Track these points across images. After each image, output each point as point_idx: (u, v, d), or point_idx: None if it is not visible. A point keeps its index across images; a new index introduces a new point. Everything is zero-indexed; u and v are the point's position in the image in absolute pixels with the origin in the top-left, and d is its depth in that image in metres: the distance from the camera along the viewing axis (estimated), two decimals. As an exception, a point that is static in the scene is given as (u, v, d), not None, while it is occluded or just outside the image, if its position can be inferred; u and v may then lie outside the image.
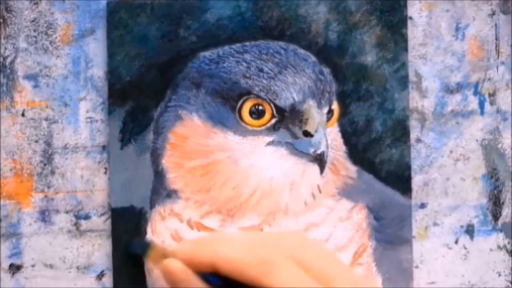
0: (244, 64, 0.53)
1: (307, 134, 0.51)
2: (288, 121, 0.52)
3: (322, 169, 0.52)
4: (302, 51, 0.53)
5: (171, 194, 0.54)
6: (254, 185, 0.53)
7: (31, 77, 0.56)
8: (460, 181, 0.57)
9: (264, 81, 0.52)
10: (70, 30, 0.56)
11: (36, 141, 0.56)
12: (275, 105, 0.52)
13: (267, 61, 0.53)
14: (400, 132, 0.55)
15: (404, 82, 0.55)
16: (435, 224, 0.57)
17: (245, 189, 0.53)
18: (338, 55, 0.55)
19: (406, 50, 0.55)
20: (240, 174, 0.53)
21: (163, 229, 0.54)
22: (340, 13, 0.55)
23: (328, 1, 0.55)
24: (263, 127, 0.52)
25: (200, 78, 0.53)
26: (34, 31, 0.56)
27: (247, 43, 0.54)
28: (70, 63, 0.56)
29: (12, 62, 0.56)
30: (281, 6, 0.55)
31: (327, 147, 0.52)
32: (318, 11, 0.55)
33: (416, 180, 0.56)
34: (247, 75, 0.52)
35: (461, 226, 0.57)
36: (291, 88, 0.52)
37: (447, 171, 0.57)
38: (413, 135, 0.56)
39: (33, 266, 0.56)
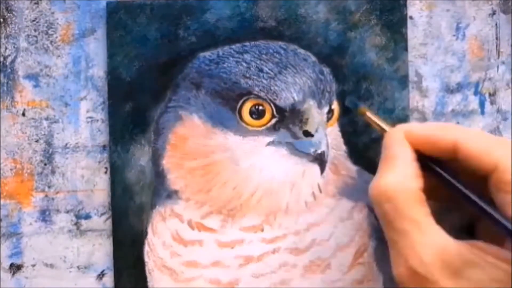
0: (244, 64, 0.52)
1: (307, 134, 0.51)
2: (288, 121, 0.52)
3: (322, 169, 0.52)
4: (302, 51, 0.53)
5: (172, 195, 0.54)
6: (255, 185, 0.53)
7: (32, 76, 0.56)
8: (461, 180, 0.57)
9: (264, 81, 0.52)
10: (71, 30, 0.56)
11: (37, 141, 0.56)
12: (275, 105, 0.52)
13: (267, 61, 0.52)
14: (400, 132, 0.55)
15: (404, 81, 0.55)
16: (435, 223, 0.57)
17: (245, 189, 0.53)
18: (338, 55, 0.55)
19: (406, 50, 0.55)
20: (240, 174, 0.53)
21: (164, 230, 0.54)
22: (340, 13, 0.55)
23: (328, 1, 0.55)
24: (263, 127, 0.52)
25: (200, 78, 0.53)
26: (35, 30, 0.56)
27: (247, 43, 0.54)
28: (70, 63, 0.56)
29: (13, 61, 0.56)
30: (281, 6, 0.55)
31: (328, 147, 0.52)
32: (318, 11, 0.55)
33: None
34: (247, 75, 0.52)
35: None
36: (291, 88, 0.52)
37: (447, 170, 0.57)
38: (413, 135, 0.56)
39: (33, 266, 0.56)
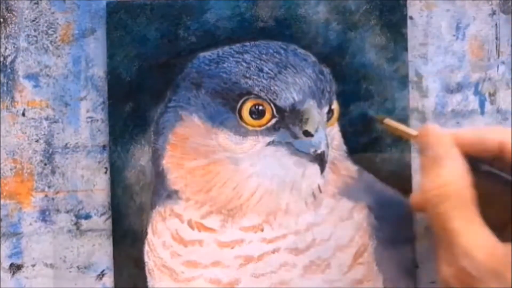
0: (244, 64, 0.52)
1: (307, 134, 0.51)
2: (288, 121, 0.52)
3: (322, 168, 0.52)
4: (302, 51, 0.53)
5: (172, 195, 0.54)
6: (255, 185, 0.53)
7: (32, 76, 0.56)
8: (461, 180, 0.57)
9: (264, 81, 0.52)
10: (71, 29, 0.56)
11: (37, 141, 0.56)
12: (275, 105, 0.52)
13: (267, 61, 0.52)
14: (400, 132, 0.55)
15: (404, 81, 0.55)
16: (435, 223, 0.57)
17: (245, 189, 0.53)
18: (338, 55, 0.55)
19: (406, 50, 0.55)
20: (240, 174, 0.53)
21: (164, 230, 0.54)
22: (340, 13, 0.55)
23: (328, 1, 0.55)
24: (263, 127, 0.52)
25: (200, 78, 0.53)
26: (35, 30, 0.56)
27: (247, 43, 0.54)
28: (70, 63, 0.56)
29: (13, 61, 0.56)
30: (281, 6, 0.55)
31: (328, 147, 0.52)
32: (318, 11, 0.55)
33: (417, 180, 0.56)
34: (247, 75, 0.52)
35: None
36: (291, 88, 0.52)
37: (447, 170, 0.56)
38: (413, 135, 0.56)
39: (33, 265, 0.56)
